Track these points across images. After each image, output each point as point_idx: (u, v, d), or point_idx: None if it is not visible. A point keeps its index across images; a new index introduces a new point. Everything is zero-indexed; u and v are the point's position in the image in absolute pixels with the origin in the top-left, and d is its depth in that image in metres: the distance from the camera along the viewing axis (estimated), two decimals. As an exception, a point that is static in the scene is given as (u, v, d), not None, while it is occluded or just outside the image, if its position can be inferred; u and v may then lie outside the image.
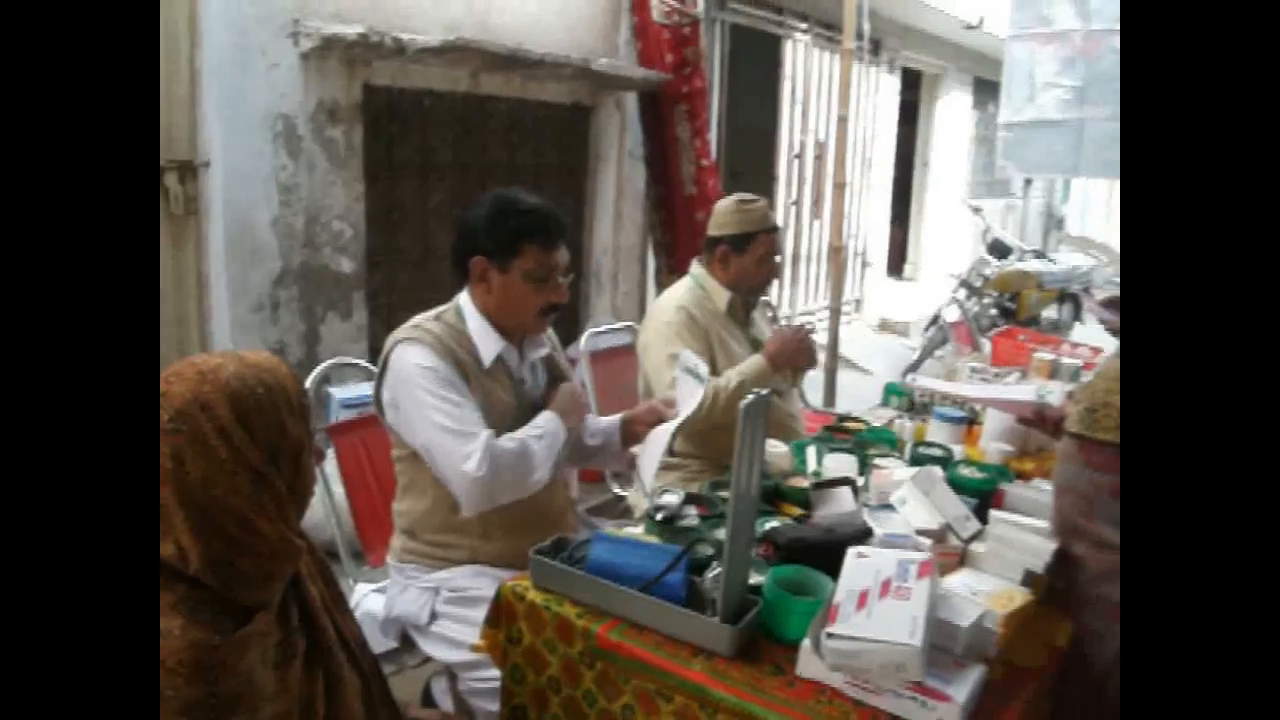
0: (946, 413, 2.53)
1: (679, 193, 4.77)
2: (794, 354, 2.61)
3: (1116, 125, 4.24)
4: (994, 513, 1.76)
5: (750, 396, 1.39)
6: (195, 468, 1.08)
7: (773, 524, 1.80)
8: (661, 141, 4.74)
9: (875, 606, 1.35)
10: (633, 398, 3.07)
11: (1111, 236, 15.68)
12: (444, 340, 1.95)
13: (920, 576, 1.41)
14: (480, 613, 1.72)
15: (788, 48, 6.50)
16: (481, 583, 1.95)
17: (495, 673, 1.71)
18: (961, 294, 7.30)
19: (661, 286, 5.01)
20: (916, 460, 2.23)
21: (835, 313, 5.16)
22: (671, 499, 1.82)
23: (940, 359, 7.17)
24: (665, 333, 2.58)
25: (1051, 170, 5.21)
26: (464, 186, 4.11)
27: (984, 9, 7.79)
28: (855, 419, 2.69)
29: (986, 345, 3.99)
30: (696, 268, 2.76)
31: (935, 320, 7.31)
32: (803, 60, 6.69)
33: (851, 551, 1.50)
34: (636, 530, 1.85)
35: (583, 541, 1.63)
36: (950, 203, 9.88)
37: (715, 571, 1.54)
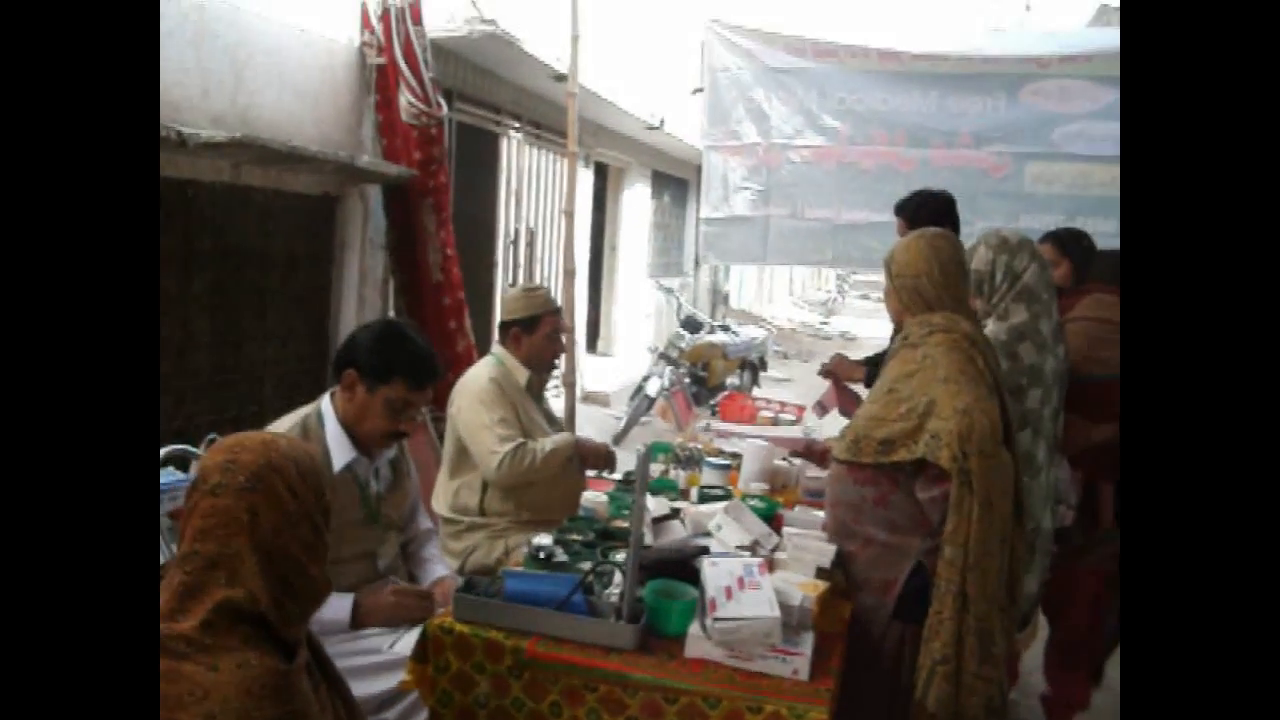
0: (715, 462, 3.11)
1: (426, 279, 5.08)
2: (596, 453, 3.13)
3: (794, 222, 5.23)
4: (785, 529, 2.34)
5: (641, 449, 1.83)
6: (268, 520, 1.33)
7: (621, 555, 2.25)
8: (408, 231, 5.04)
9: (740, 596, 1.84)
10: (426, 469, 3.38)
11: (762, 308, 17.98)
12: None
13: (761, 573, 1.92)
14: (356, 638, 2.10)
15: (504, 144, 7.07)
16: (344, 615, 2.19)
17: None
18: (660, 365, 8.17)
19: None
20: (704, 499, 2.78)
21: (570, 387, 5.72)
22: (546, 541, 2.20)
23: (646, 425, 7.98)
24: (483, 398, 2.96)
25: (744, 259, 6.16)
26: (223, 274, 4.17)
27: (664, 112, 8.89)
28: (638, 473, 3.20)
29: (699, 410, 4.70)
30: (497, 348, 3.17)
31: (639, 390, 8.12)
32: (516, 155, 7.29)
33: (705, 561, 1.98)
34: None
35: (490, 581, 1.98)
36: (635, 282, 10.91)
37: (609, 589, 1.95)
